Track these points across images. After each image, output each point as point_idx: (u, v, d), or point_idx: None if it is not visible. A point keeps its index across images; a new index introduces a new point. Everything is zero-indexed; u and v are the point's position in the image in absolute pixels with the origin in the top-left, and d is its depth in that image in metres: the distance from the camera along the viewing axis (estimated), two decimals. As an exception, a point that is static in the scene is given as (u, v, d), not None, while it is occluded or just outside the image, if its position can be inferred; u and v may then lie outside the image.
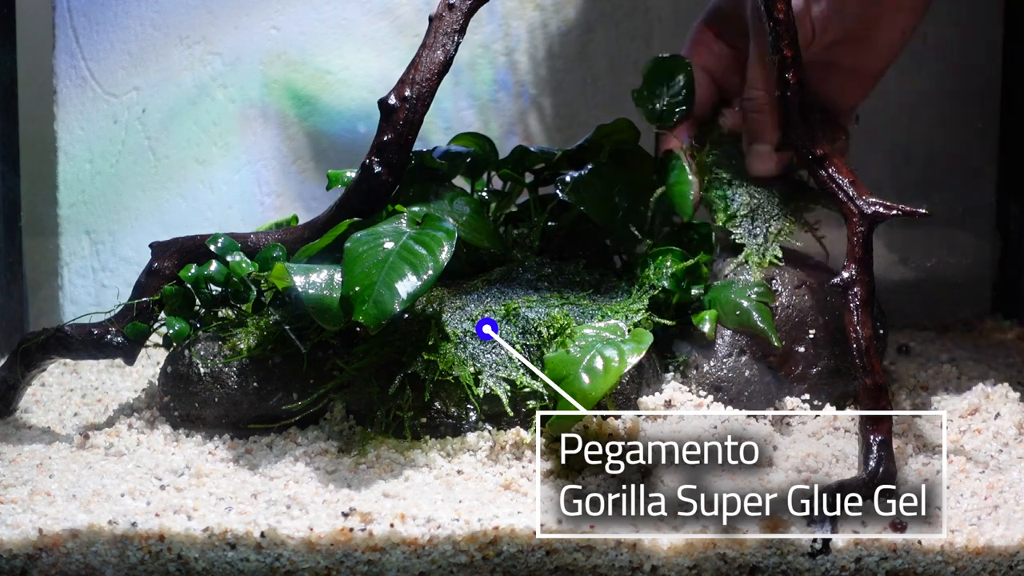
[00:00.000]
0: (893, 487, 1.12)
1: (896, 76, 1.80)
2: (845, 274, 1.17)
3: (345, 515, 1.03)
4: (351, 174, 1.32)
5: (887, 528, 1.03)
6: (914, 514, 1.06)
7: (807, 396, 1.29)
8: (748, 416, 1.25)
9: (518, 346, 1.21)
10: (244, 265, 1.23)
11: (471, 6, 1.24)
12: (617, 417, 1.20)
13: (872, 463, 1.12)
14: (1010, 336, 1.72)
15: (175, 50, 1.69)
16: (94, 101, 1.70)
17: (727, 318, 1.28)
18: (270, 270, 1.21)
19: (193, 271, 1.24)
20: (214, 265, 1.24)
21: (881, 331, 1.36)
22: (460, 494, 1.10)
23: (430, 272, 1.14)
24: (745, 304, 1.28)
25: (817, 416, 1.27)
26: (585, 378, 1.12)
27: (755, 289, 1.29)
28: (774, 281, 1.31)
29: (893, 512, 1.07)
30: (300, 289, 1.15)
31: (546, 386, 1.17)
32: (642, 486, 1.12)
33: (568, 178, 1.37)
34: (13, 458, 1.20)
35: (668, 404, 1.24)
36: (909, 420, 1.29)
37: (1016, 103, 1.81)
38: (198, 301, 1.26)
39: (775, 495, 1.10)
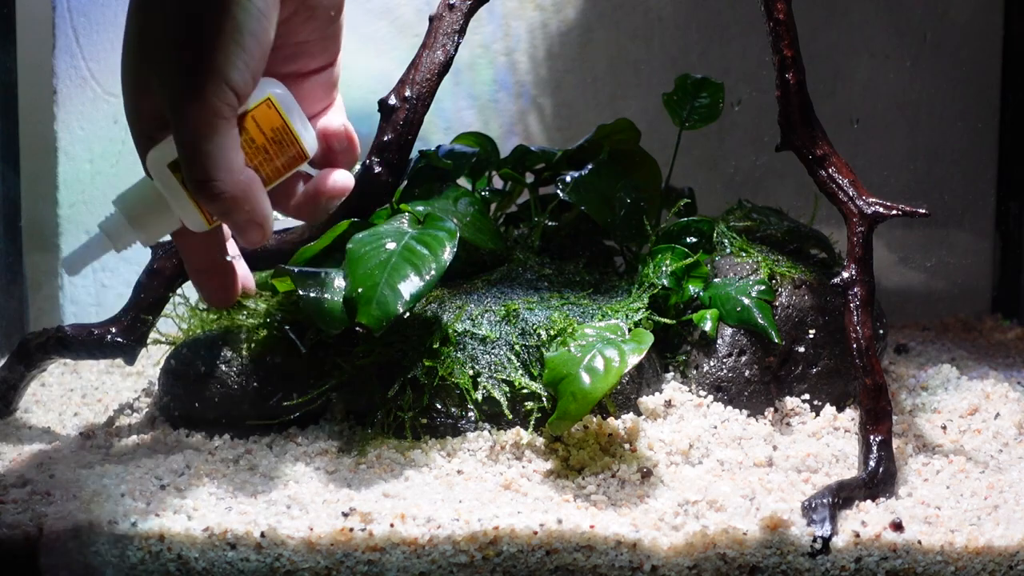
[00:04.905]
0: (893, 487, 1.12)
1: (896, 76, 1.81)
2: (845, 274, 1.17)
3: (345, 515, 1.03)
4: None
5: (887, 528, 1.03)
6: (914, 514, 1.07)
7: (807, 396, 1.29)
8: (748, 416, 1.25)
9: (518, 347, 1.21)
10: None
11: (471, 6, 1.24)
12: (617, 417, 1.20)
13: (872, 463, 1.12)
14: (1010, 336, 1.72)
15: (175, 50, 1.69)
16: (94, 101, 1.70)
17: (728, 315, 1.28)
18: None
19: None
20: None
21: (881, 331, 1.36)
22: (460, 494, 1.10)
23: (432, 272, 1.14)
24: (746, 301, 1.28)
25: (816, 416, 1.28)
26: (585, 378, 1.12)
27: (756, 287, 1.29)
28: (773, 280, 1.32)
29: (893, 512, 1.07)
30: (301, 293, 1.15)
31: (545, 386, 1.17)
32: (643, 486, 1.12)
33: (568, 178, 1.37)
34: (13, 458, 1.20)
35: (668, 404, 1.24)
36: (909, 420, 1.29)
37: (1016, 103, 1.81)
38: None
39: (775, 495, 1.10)
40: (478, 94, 1.75)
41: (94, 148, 1.70)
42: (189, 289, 1.30)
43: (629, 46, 1.76)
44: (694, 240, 1.37)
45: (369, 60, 1.71)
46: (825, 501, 1.04)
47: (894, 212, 1.18)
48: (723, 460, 1.17)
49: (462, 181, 1.41)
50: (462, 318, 1.23)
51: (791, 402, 1.28)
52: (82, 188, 1.70)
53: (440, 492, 1.10)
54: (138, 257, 1.31)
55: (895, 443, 1.16)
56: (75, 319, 1.68)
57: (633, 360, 1.12)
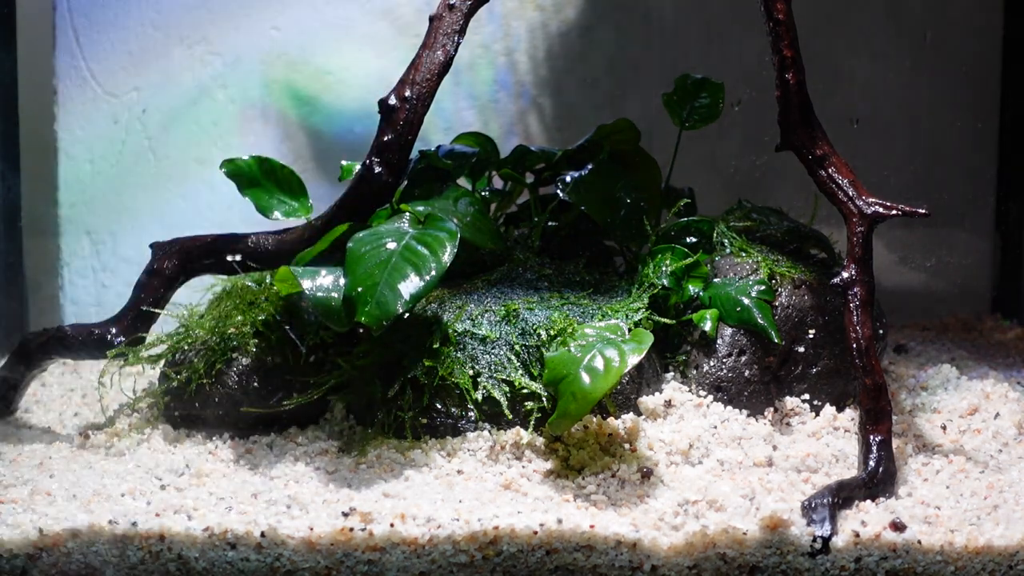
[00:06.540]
0: (893, 487, 1.12)
1: (896, 77, 1.81)
2: (845, 274, 1.17)
3: (345, 515, 1.03)
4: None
5: (887, 528, 1.03)
6: (913, 513, 1.07)
7: (807, 396, 1.29)
8: (748, 416, 1.25)
9: (518, 347, 1.21)
10: None
11: (471, 7, 1.24)
12: (617, 417, 1.20)
13: (872, 463, 1.12)
14: (1010, 336, 1.72)
15: (175, 50, 1.69)
16: (94, 101, 1.70)
17: (728, 315, 1.28)
18: None
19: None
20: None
21: (881, 331, 1.36)
22: (460, 494, 1.10)
23: (433, 273, 1.14)
24: (746, 301, 1.28)
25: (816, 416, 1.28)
26: (585, 378, 1.12)
27: (756, 287, 1.29)
28: (773, 280, 1.32)
29: (893, 512, 1.07)
30: (307, 292, 1.15)
31: (545, 386, 1.17)
32: (643, 486, 1.12)
33: (568, 178, 1.37)
34: (13, 458, 1.20)
35: (668, 404, 1.24)
36: (909, 420, 1.29)
37: (1016, 103, 1.81)
38: None
39: (775, 494, 1.10)
40: (478, 94, 1.75)
41: (94, 148, 1.71)
42: (188, 290, 1.30)
43: (629, 46, 1.76)
44: (694, 240, 1.37)
45: (369, 60, 1.71)
46: (825, 501, 1.04)
47: (894, 212, 1.18)
48: (723, 460, 1.17)
49: (462, 181, 1.41)
50: (462, 318, 1.23)
51: (791, 402, 1.28)
52: (82, 188, 1.70)
53: (440, 492, 1.10)
54: (138, 257, 1.32)
55: (895, 443, 1.16)
56: (75, 319, 1.68)
57: (633, 360, 1.12)
